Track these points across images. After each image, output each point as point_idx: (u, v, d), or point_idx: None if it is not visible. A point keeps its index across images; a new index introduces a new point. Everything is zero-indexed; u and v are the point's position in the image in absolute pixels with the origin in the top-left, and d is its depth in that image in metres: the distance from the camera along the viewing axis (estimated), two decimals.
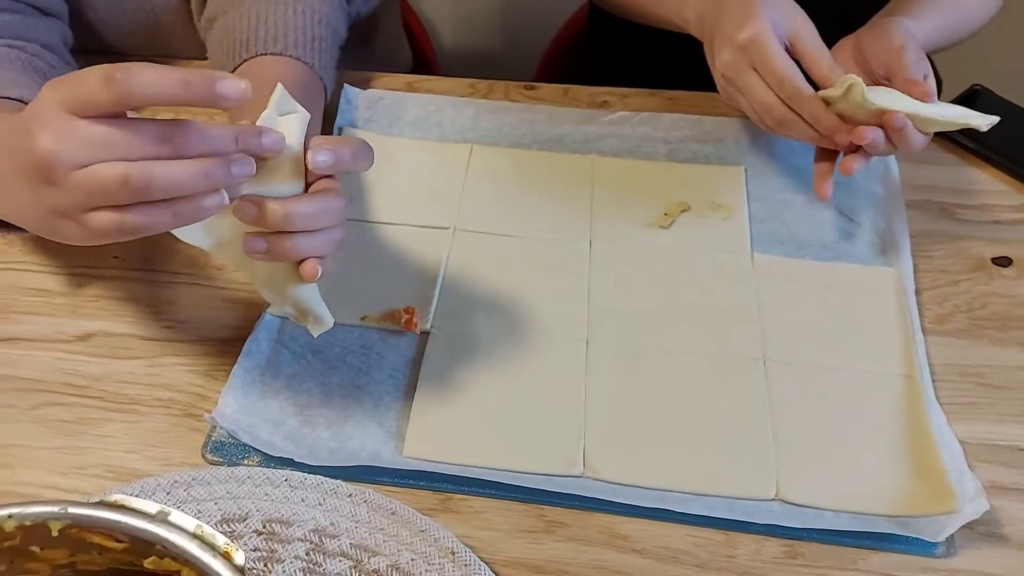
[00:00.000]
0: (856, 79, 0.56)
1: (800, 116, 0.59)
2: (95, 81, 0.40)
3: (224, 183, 0.43)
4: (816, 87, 0.59)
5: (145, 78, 0.39)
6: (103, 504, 0.35)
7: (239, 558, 0.33)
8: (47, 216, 0.44)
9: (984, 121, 0.58)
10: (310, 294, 0.49)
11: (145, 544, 0.35)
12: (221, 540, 0.34)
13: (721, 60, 0.61)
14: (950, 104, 0.60)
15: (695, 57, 0.65)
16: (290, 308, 0.50)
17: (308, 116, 0.48)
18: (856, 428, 0.53)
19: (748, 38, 0.58)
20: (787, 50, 0.60)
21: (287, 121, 0.47)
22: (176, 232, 0.45)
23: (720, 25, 0.61)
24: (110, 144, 0.41)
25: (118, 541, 0.36)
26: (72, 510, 0.35)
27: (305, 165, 0.47)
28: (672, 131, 0.71)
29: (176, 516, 0.35)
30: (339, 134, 0.71)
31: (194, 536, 0.34)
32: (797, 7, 0.61)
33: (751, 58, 0.59)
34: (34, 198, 0.43)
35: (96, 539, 0.36)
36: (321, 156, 0.45)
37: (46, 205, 0.43)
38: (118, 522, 0.35)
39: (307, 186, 0.47)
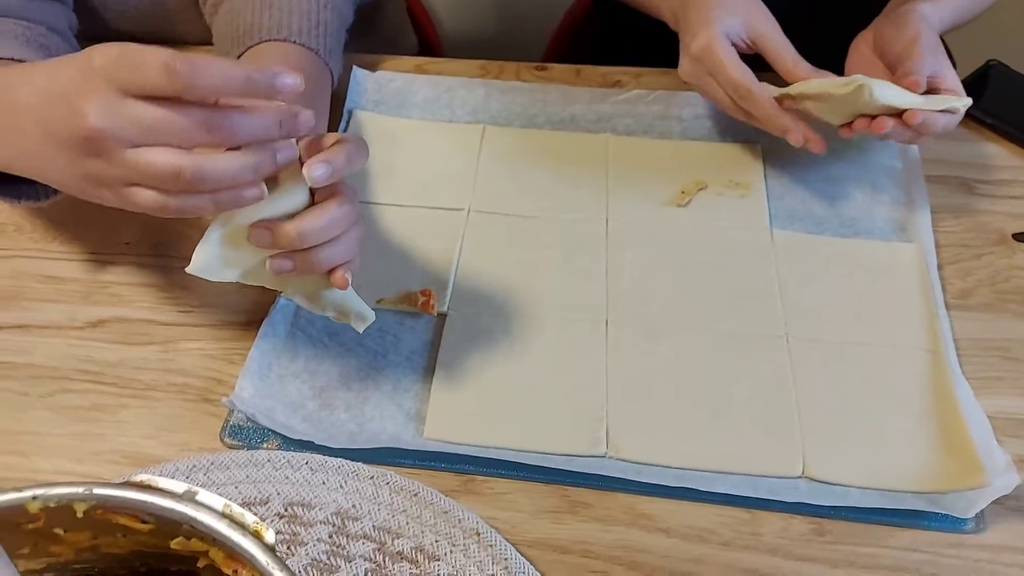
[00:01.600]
0: (864, 79, 0.56)
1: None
2: (156, 70, 0.40)
3: (270, 174, 0.44)
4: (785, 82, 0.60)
5: (211, 74, 0.40)
6: (129, 484, 0.35)
7: (269, 536, 0.33)
8: (82, 181, 0.44)
9: (960, 103, 0.58)
10: (347, 296, 0.50)
11: (172, 524, 0.34)
12: (250, 518, 0.33)
13: (682, 68, 0.64)
14: (939, 96, 0.59)
15: None
16: (330, 311, 0.50)
17: None
18: (882, 404, 0.53)
19: (701, 48, 0.61)
20: (751, 48, 0.61)
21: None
22: (202, 274, 0.46)
23: (681, 33, 0.64)
24: (161, 129, 0.41)
25: (144, 522, 0.35)
26: (98, 491, 0.34)
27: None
28: (686, 109, 0.70)
29: (204, 495, 0.34)
30: (349, 117, 0.70)
31: (223, 515, 0.33)
32: (758, 4, 0.62)
33: (706, 66, 0.61)
34: (71, 166, 0.44)
35: (122, 520, 0.35)
36: (318, 171, 0.45)
37: (84, 172, 0.44)
38: (145, 502, 0.34)
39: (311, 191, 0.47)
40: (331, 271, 0.48)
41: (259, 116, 0.42)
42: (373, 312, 0.51)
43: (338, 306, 0.50)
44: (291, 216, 0.46)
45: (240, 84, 0.41)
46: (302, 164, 0.45)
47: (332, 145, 0.47)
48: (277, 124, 0.43)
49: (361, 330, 0.51)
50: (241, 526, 0.33)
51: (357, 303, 0.50)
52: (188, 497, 0.34)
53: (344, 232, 0.47)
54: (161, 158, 0.41)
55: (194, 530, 0.34)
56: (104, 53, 0.41)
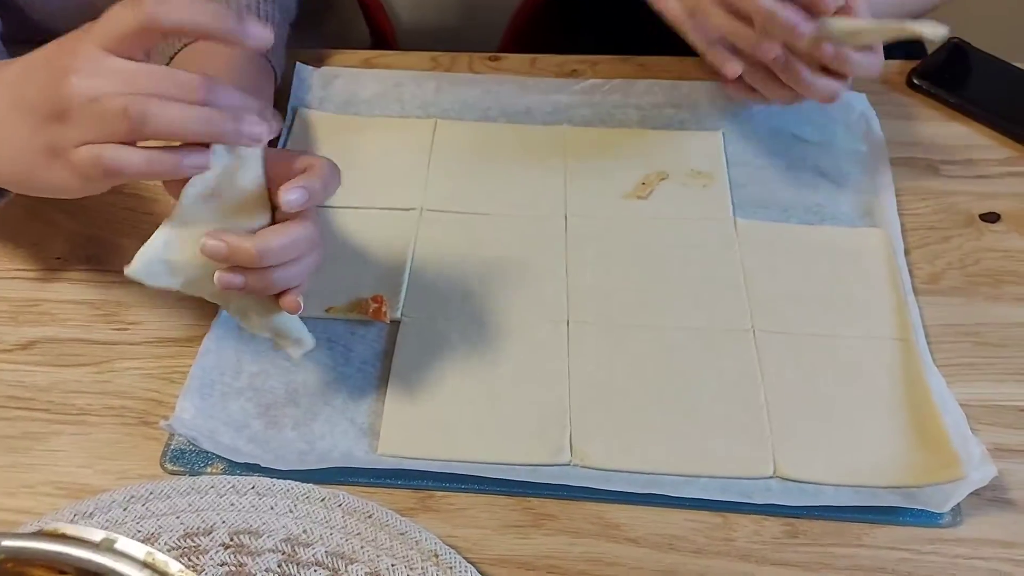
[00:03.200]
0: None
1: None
2: (123, 8, 0.40)
3: (227, 137, 0.41)
4: None
5: (173, 4, 0.40)
6: (42, 534, 0.32)
7: None
8: (38, 155, 0.42)
9: (933, 31, 0.52)
10: (290, 319, 0.47)
11: (92, 575, 0.31)
12: (175, 567, 0.30)
13: (668, 5, 0.59)
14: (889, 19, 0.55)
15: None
16: (267, 333, 0.47)
17: (261, 148, 0.45)
18: (853, 398, 0.51)
19: None
20: None
21: (248, 155, 0.43)
22: (141, 277, 0.43)
23: None
24: (133, 80, 0.40)
25: (62, 572, 0.32)
26: (6, 543, 0.31)
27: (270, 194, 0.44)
28: (645, 97, 0.68)
29: (123, 543, 0.31)
30: (293, 115, 0.67)
31: (144, 565, 0.30)
32: None
33: None
34: (31, 135, 0.42)
35: (38, 572, 0.32)
36: (292, 195, 0.43)
37: (42, 142, 0.42)
38: (59, 553, 0.31)
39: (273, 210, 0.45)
40: (282, 293, 0.45)
41: (239, 94, 0.42)
42: (313, 339, 0.48)
43: (278, 329, 0.47)
44: (250, 230, 0.43)
45: (208, 21, 0.40)
46: (270, 187, 0.43)
47: (306, 169, 0.44)
48: (257, 105, 0.42)
49: (297, 356, 0.48)
50: None
51: (298, 328, 0.47)
52: (106, 546, 0.31)
53: (303, 255, 0.45)
54: (111, 100, 0.40)
55: None
56: (90, 23, 0.41)
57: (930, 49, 0.71)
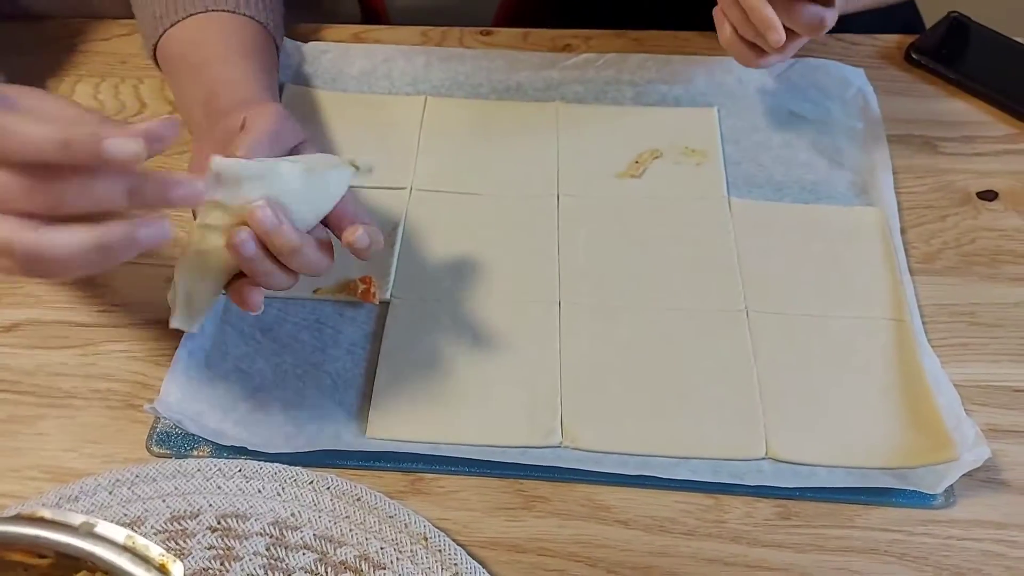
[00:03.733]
0: None
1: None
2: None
3: (129, 255, 0.37)
4: None
5: (20, 135, 0.35)
6: (20, 518, 0.31)
7: (177, 571, 0.30)
8: None
9: None
10: (212, 300, 0.46)
11: (72, 560, 0.31)
12: (156, 551, 0.30)
13: None
14: None
15: None
16: (181, 293, 0.45)
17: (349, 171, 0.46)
18: (846, 379, 0.51)
19: None
20: None
21: (336, 172, 0.45)
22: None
23: None
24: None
25: (42, 556, 0.32)
26: None
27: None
28: (639, 73, 0.66)
29: (103, 527, 0.31)
30: (281, 91, 0.65)
31: (124, 549, 0.30)
32: None
33: None
34: None
35: (17, 557, 0.32)
36: (358, 235, 0.45)
37: None
38: (38, 537, 0.31)
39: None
40: (249, 290, 0.44)
41: (101, 181, 0.36)
42: (199, 327, 0.46)
43: (196, 296, 0.45)
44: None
45: (54, 150, 0.34)
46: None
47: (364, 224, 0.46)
48: (124, 193, 0.36)
49: (171, 326, 0.45)
50: (145, 560, 0.30)
51: (206, 309, 0.46)
52: (85, 530, 0.30)
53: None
54: None
55: (96, 565, 0.30)
56: None
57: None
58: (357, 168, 0.46)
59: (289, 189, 0.43)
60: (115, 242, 0.36)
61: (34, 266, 0.36)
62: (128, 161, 0.35)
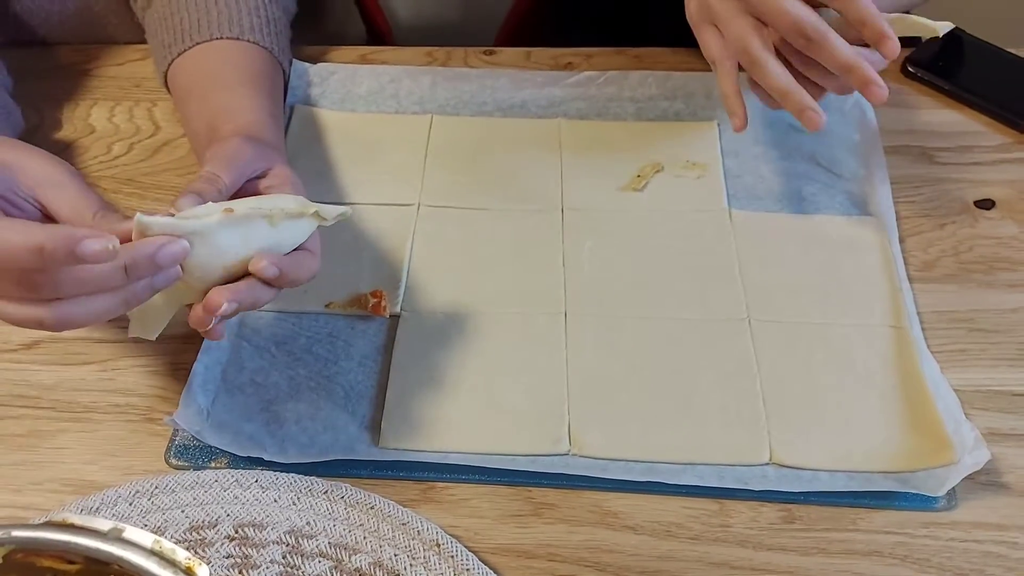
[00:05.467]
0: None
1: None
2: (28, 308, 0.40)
3: (145, 300, 0.43)
4: None
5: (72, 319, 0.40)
6: (50, 525, 0.32)
7: (203, 573, 0.31)
8: None
9: (940, 25, 0.53)
10: (168, 314, 0.47)
11: (100, 564, 0.32)
12: (182, 555, 0.31)
13: (690, 8, 0.57)
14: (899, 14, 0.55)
15: (660, 11, 0.62)
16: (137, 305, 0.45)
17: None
18: (848, 385, 0.52)
19: None
20: None
21: (294, 223, 0.46)
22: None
23: None
24: None
25: (71, 563, 0.33)
26: (16, 533, 0.32)
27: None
28: (640, 89, 0.68)
29: (131, 532, 0.32)
30: (291, 113, 0.67)
31: (152, 553, 0.31)
32: None
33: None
34: None
35: (47, 563, 0.33)
36: (266, 270, 0.45)
37: None
38: (68, 543, 0.32)
39: None
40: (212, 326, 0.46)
41: (95, 270, 0.39)
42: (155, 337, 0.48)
43: (152, 309, 0.46)
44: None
45: (29, 257, 0.38)
46: None
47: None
48: (120, 271, 0.40)
49: (129, 335, 0.47)
50: (172, 563, 0.31)
51: (161, 324, 0.47)
52: (114, 535, 0.31)
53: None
54: (19, 311, 0.40)
55: (124, 570, 0.32)
56: None
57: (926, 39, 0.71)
58: (324, 220, 0.47)
59: (223, 242, 0.44)
60: (138, 294, 0.42)
61: (67, 328, 0.41)
62: (103, 258, 0.38)
